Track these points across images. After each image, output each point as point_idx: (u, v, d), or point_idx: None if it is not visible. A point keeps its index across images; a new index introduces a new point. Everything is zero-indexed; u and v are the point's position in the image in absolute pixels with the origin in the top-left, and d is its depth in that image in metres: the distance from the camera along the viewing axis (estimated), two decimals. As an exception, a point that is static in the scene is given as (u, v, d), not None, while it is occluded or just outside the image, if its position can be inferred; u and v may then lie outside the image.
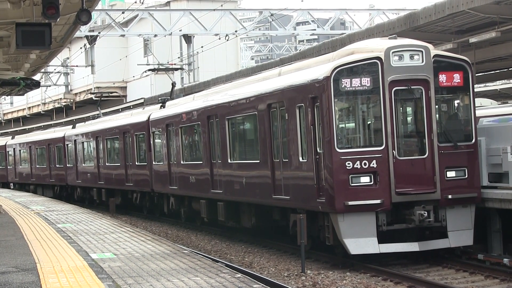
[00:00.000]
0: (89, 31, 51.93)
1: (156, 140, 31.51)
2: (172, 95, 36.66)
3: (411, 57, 17.93)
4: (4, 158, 62.66)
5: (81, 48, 54.90)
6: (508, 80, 45.85)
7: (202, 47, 49.32)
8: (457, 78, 18.30)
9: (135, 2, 42.16)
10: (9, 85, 25.60)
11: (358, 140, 18.04)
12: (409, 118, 18.58)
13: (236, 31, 49.30)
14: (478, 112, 20.23)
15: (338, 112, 17.85)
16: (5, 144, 62.03)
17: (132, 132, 34.31)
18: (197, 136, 26.86)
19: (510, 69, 32.95)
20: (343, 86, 17.67)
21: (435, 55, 18.19)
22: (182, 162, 28.10)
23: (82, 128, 44.69)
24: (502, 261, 17.30)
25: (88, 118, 52.43)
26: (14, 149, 59.53)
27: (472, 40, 24.41)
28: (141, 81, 62.35)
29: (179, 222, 30.81)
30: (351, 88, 17.73)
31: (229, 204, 24.29)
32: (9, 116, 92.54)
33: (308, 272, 17.88)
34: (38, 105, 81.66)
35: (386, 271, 17.31)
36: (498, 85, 46.90)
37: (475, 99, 19.27)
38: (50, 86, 69.08)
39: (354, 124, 18.22)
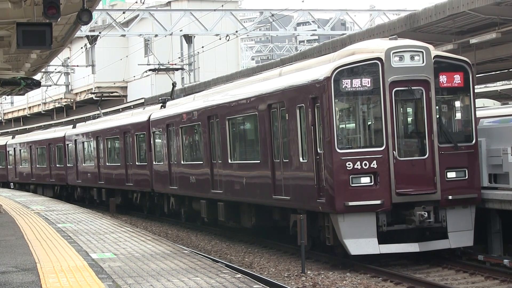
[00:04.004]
0: (90, 31, 51.92)
1: (156, 140, 31.52)
2: (172, 95, 36.69)
3: (412, 57, 17.93)
4: (4, 158, 62.67)
5: (81, 48, 54.88)
6: (509, 81, 45.83)
7: (202, 47, 49.33)
8: (457, 79, 18.31)
9: (136, 2, 42.15)
10: (10, 84, 25.61)
11: (358, 141, 18.05)
12: (409, 119, 18.59)
13: (236, 32, 49.30)
14: (479, 113, 20.24)
15: (338, 113, 17.86)
16: (6, 144, 62.04)
17: (132, 132, 34.31)
18: (197, 136, 26.87)
19: (510, 70, 32.95)
20: (343, 87, 17.68)
21: (436, 56, 18.19)
22: (182, 162, 28.10)
23: (82, 128, 44.70)
24: (502, 262, 17.30)
25: (88, 118, 52.40)
26: (14, 148, 59.54)
27: (473, 41, 24.42)
28: (142, 81, 62.34)
29: (179, 222, 30.81)
30: (351, 89, 17.74)
31: (230, 204, 24.29)
32: (10, 116, 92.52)
33: (308, 272, 17.88)
34: (39, 104, 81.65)
35: (386, 271, 17.32)
36: (498, 86, 46.88)
37: (478, 99, 19.28)
38: (50, 85, 69.06)
39: (354, 124, 18.23)
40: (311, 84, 18.45)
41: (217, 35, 49.50)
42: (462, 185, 18.08)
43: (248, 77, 25.54)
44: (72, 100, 73.84)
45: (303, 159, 18.97)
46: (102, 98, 53.22)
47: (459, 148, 18.14)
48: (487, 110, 24.98)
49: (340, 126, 17.92)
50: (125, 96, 68.34)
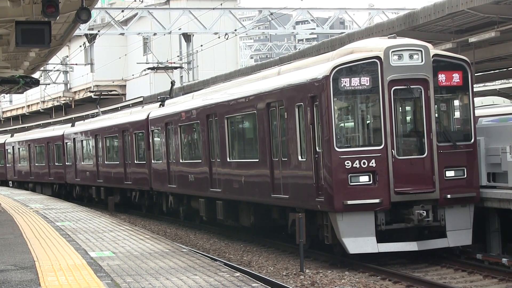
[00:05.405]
0: (89, 29, 51.90)
1: (155, 139, 31.51)
2: (171, 93, 36.66)
3: (411, 56, 17.93)
4: (3, 156, 62.66)
5: (80, 46, 54.87)
6: (507, 79, 45.83)
7: (201, 45, 49.30)
8: (456, 77, 18.31)
9: (135, 1, 42.17)
10: (9, 83, 25.60)
11: (357, 140, 18.05)
12: (408, 118, 18.59)
13: (235, 30, 49.28)
14: (479, 112, 20.23)
15: (337, 111, 17.86)
16: (4, 142, 62.02)
17: (131, 131, 34.30)
18: (196, 135, 26.86)
19: (509, 68, 32.95)
20: (342, 86, 17.68)
21: (435, 55, 18.19)
22: (181, 161, 28.10)
23: (81, 126, 44.69)
24: (500, 260, 17.31)
25: (87, 117, 52.38)
26: (13, 147, 59.53)
27: (472, 39, 24.41)
28: (141, 80, 62.33)
29: (178, 221, 30.82)
30: (350, 88, 17.74)
31: (228, 203, 24.29)
32: (8, 114, 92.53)
33: (306, 271, 17.89)
34: (37, 103, 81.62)
35: (385, 270, 17.32)
36: (497, 84, 46.88)
37: (487, 97, 19.26)
38: (49, 84, 69.09)
39: (353, 123, 18.23)
40: (310, 83, 18.45)
41: (216, 33, 49.47)
42: (460, 184, 18.08)
43: (247, 76, 25.53)
44: (70, 99, 73.83)
45: (301, 158, 18.97)
46: (101, 97, 53.22)
47: (458, 147, 18.14)
48: (486, 109, 24.99)
49: (339, 125, 17.92)
50: (124, 95, 68.31)
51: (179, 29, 51.48)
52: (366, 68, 17.77)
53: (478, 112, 20.06)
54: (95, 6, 22.37)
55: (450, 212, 18.06)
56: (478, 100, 28.21)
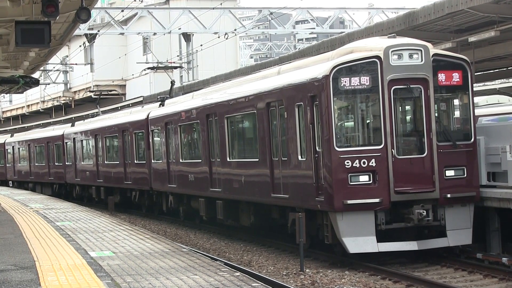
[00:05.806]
0: (89, 29, 51.87)
1: (155, 139, 31.51)
2: (171, 93, 36.66)
3: (410, 56, 17.93)
4: (3, 156, 62.66)
5: (80, 46, 54.86)
6: (507, 79, 45.81)
7: (201, 45, 49.28)
8: (456, 77, 18.31)
9: (135, 1, 42.13)
10: (8, 83, 25.60)
11: (357, 139, 18.05)
12: (408, 117, 18.59)
13: (235, 30, 49.25)
14: (484, 111, 20.22)
15: (337, 111, 17.86)
16: (4, 142, 62.02)
17: (131, 131, 34.31)
18: (196, 135, 26.86)
19: (509, 68, 32.94)
20: (342, 85, 17.68)
21: (434, 54, 18.19)
22: (181, 161, 28.10)
23: (81, 126, 44.69)
24: (500, 260, 17.31)
25: (87, 116, 52.37)
26: (13, 147, 59.54)
27: (471, 39, 24.40)
28: (140, 79, 62.31)
29: (177, 221, 30.82)
30: (350, 87, 17.74)
31: (228, 202, 24.29)
32: (8, 114, 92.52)
33: (306, 270, 17.89)
34: (37, 103, 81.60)
35: (385, 270, 17.32)
36: (497, 84, 46.86)
37: (492, 96, 19.27)
38: (49, 84, 69.04)
39: (353, 123, 18.23)
40: (310, 83, 18.45)
41: (215, 33, 49.45)
42: (460, 184, 18.08)
43: (246, 76, 25.53)
44: (70, 99, 73.82)
45: (301, 158, 18.97)
46: (101, 97, 53.17)
47: (457, 147, 18.14)
48: (486, 108, 25.00)
49: (339, 124, 17.92)
50: (124, 95, 68.30)
51: (179, 28, 51.47)
52: (366, 68, 17.77)
53: (483, 111, 20.05)
54: (95, 6, 22.38)
55: (450, 212, 18.06)
56: (483, 99, 28.24)
